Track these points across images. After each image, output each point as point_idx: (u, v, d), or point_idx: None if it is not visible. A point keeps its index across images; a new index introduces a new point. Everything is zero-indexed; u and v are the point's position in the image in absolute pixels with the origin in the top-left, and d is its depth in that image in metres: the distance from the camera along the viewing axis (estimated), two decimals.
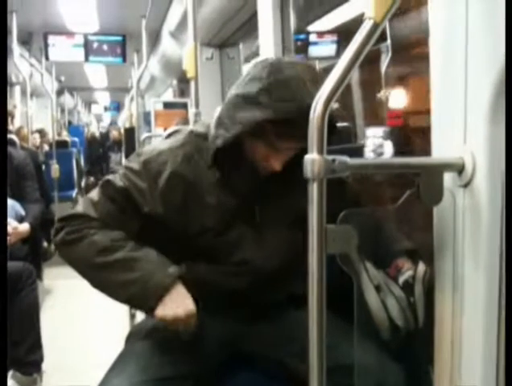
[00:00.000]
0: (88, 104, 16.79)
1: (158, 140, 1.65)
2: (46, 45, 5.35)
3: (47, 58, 5.46)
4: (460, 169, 0.95)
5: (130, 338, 1.39)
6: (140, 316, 1.90)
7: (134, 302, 1.27)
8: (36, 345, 2.67)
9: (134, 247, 1.26)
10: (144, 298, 1.21)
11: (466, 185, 0.95)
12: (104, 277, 1.25)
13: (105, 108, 16.89)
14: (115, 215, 1.29)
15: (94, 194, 1.33)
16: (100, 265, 1.24)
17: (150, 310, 1.22)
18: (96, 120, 19.13)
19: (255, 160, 1.26)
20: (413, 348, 1.23)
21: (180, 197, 1.28)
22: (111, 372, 1.25)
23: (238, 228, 1.30)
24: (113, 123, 13.95)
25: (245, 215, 1.31)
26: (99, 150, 10.64)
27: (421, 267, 1.23)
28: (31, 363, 2.62)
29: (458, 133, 0.96)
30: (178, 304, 1.20)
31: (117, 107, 16.16)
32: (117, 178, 1.31)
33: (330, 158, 0.83)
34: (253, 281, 1.32)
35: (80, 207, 1.33)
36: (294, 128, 1.13)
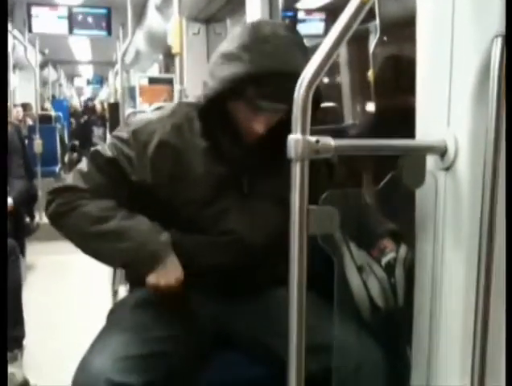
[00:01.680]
0: (71, 77, 16.56)
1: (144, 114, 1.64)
2: (29, 16, 5.23)
3: (30, 30, 5.36)
4: (442, 152, 0.95)
5: (112, 314, 1.39)
6: (122, 293, 1.90)
7: (128, 269, 1.36)
8: (18, 321, 2.66)
9: (126, 215, 1.29)
10: (138, 266, 1.26)
11: (448, 168, 0.95)
12: (97, 246, 1.28)
13: (88, 82, 16.69)
14: (104, 185, 1.31)
15: (83, 165, 1.35)
16: (93, 235, 1.27)
17: (142, 277, 1.26)
18: (77, 93, 18.86)
19: (239, 123, 1.27)
20: (392, 328, 1.24)
21: (169, 166, 1.30)
22: (94, 348, 1.24)
23: (225, 199, 1.32)
24: (91, 98, 13.77)
25: (233, 186, 1.32)
26: (81, 124, 10.51)
27: (403, 248, 1.24)
28: (12, 338, 2.61)
29: (442, 117, 0.96)
30: (169, 272, 1.24)
31: (100, 81, 15.96)
32: (105, 148, 1.33)
33: (314, 138, 0.83)
34: (239, 255, 1.32)
35: (69, 179, 1.35)
36: (274, 87, 1.17)
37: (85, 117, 10.22)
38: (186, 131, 1.31)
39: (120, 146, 1.31)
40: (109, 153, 1.31)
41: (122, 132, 1.34)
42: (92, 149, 1.37)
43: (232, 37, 1.25)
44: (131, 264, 1.29)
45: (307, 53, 1.24)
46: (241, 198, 1.33)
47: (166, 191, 1.30)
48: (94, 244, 1.29)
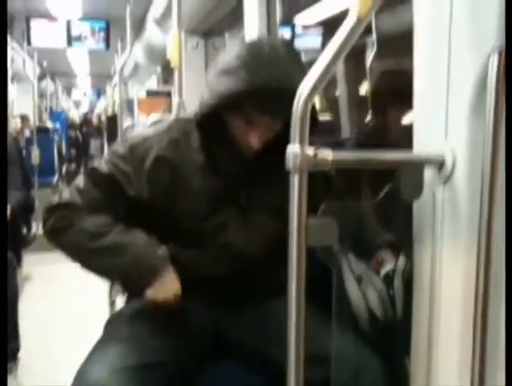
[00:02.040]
0: (68, 89, 16.58)
1: (140, 128, 1.66)
2: (28, 29, 5.26)
3: (28, 43, 5.37)
4: (440, 165, 0.96)
5: (108, 325, 1.38)
6: (120, 303, 1.89)
7: (126, 283, 1.35)
8: (13, 334, 2.65)
9: (122, 230, 1.29)
10: (136, 280, 1.26)
11: (446, 181, 0.96)
12: (95, 262, 1.29)
13: (84, 94, 16.73)
14: (101, 200, 1.32)
15: (80, 181, 1.36)
16: (90, 251, 1.28)
17: (141, 291, 1.26)
18: (74, 106, 18.90)
19: (235, 137, 1.29)
20: (391, 340, 1.24)
21: (166, 180, 1.31)
22: (91, 358, 1.24)
23: (223, 212, 1.33)
24: (89, 112, 13.81)
25: (231, 199, 1.33)
26: (79, 136, 10.52)
27: (401, 260, 1.25)
28: (7, 351, 2.58)
29: (439, 130, 0.97)
30: (167, 286, 1.25)
31: (98, 94, 16.00)
32: (102, 165, 1.34)
33: (312, 151, 0.84)
34: (237, 267, 1.33)
35: (66, 195, 1.35)
36: (270, 102, 1.19)
37: (83, 130, 10.24)
38: (183, 146, 1.33)
39: (116, 162, 1.32)
40: (105, 169, 1.32)
41: (119, 147, 1.35)
42: (90, 166, 1.39)
43: (229, 52, 1.27)
44: (129, 279, 1.29)
45: (304, 70, 1.25)
46: (238, 211, 1.34)
47: (163, 206, 1.31)
48: (92, 259, 1.29)
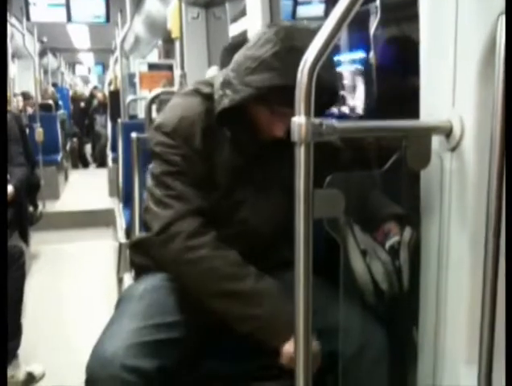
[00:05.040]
0: (72, 65, 16.48)
1: (143, 103, 1.63)
2: (26, 4, 5.18)
3: (28, 18, 5.31)
4: (447, 132, 0.94)
5: (121, 302, 1.39)
6: (128, 280, 1.90)
7: (255, 336, 1.21)
8: (16, 334, 2.51)
9: (258, 276, 1.23)
10: (269, 335, 1.19)
11: (454, 149, 0.94)
12: (226, 304, 1.22)
13: (89, 70, 16.61)
14: (196, 192, 1.27)
15: (165, 192, 1.27)
16: (223, 292, 1.22)
17: (271, 346, 1.19)
18: (83, 81, 18.83)
19: (258, 125, 1.29)
20: (398, 312, 1.24)
21: (211, 150, 1.29)
22: (105, 335, 1.25)
23: (242, 189, 1.33)
24: (97, 86, 13.74)
25: (249, 176, 1.34)
26: (85, 113, 10.49)
27: (407, 231, 1.24)
28: (8, 350, 2.39)
29: (447, 97, 0.95)
30: None
31: (103, 68, 15.90)
32: (162, 165, 1.29)
33: (317, 121, 0.82)
34: (253, 244, 1.33)
35: (168, 211, 1.26)
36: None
37: (93, 105, 10.16)
38: (213, 118, 1.30)
39: (169, 151, 1.28)
40: (170, 163, 1.28)
41: (161, 137, 1.30)
42: (154, 174, 1.30)
43: (263, 41, 1.23)
44: (262, 332, 1.20)
45: (332, 62, 1.28)
46: (255, 187, 1.35)
47: (209, 177, 1.30)
48: (221, 301, 1.22)
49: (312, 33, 1.23)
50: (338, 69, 3.86)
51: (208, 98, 1.33)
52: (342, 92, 3.91)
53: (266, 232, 1.36)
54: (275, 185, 1.34)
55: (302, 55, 1.15)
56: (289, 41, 1.20)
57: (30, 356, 2.60)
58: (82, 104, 10.69)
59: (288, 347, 1.16)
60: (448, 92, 0.95)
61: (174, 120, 1.31)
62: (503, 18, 0.84)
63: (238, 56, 1.28)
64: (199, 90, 1.36)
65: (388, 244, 1.24)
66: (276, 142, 1.30)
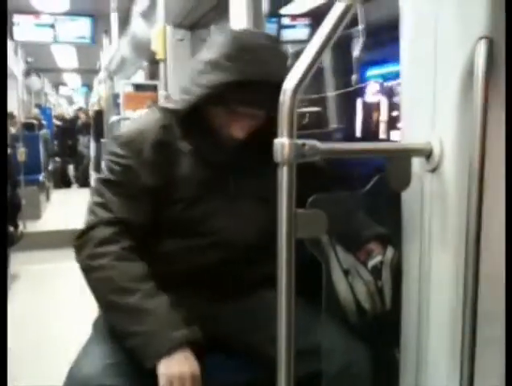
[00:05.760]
0: (56, 85, 16.46)
1: (126, 123, 1.64)
2: (11, 24, 5.19)
3: (11, 38, 5.31)
4: (428, 154, 0.96)
5: (97, 322, 1.37)
6: None
7: (134, 352, 1.20)
8: None
9: (149, 292, 1.21)
10: (143, 354, 1.17)
11: (434, 170, 0.96)
12: (112, 316, 1.24)
13: (73, 90, 16.61)
14: (125, 203, 1.27)
15: (96, 199, 1.30)
16: (110, 304, 1.23)
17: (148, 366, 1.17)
18: (67, 101, 18.77)
19: (218, 127, 1.30)
20: (380, 331, 1.24)
21: (164, 163, 1.29)
22: (82, 356, 1.24)
23: (212, 200, 1.32)
24: (81, 107, 13.72)
25: (220, 186, 1.33)
26: (68, 133, 10.44)
27: (389, 251, 1.25)
28: None
29: (427, 119, 0.97)
30: (181, 364, 1.15)
31: (88, 88, 15.92)
32: (106, 172, 1.31)
33: (300, 142, 0.83)
34: (226, 256, 1.32)
35: (91, 217, 1.29)
36: (253, 93, 1.21)
37: (77, 125, 10.12)
38: (172, 133, 1.32)
39: (119, 161, 1.29)
40: (111, 176, 1.29)
41: (114, 148, 1.32)
42: (97, 180, 1.34)
43: (214, 45, 1.28)
44: (137, 350, 1.18)
45: (286, 61, 1.29)
46: (227, 198, 1.33)
47: (163, 191, 1.29)
48: (109, 311, 1.25)
49: (259, 33, 1.29)
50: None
51: (174, 112, 1.33)
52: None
53: (242, 244, 1.33)
54: (250, 195, 1.34)
55: (254, 53, 1.21)
56: (239, 42, 1.25)
57: (9, 377, 2.55)
58: (58, 123, 10.64)
59: (163, 370, 1.14)
60: (428, 115, 0.96)
61: (130, 132, 1.33)
62: (482, 42, 0.86)
63: (193, 63, 1.32)
64: (164, 106, 1.39)
65: (370, 264, 1.25)
66: (244, 150, 1.30)
